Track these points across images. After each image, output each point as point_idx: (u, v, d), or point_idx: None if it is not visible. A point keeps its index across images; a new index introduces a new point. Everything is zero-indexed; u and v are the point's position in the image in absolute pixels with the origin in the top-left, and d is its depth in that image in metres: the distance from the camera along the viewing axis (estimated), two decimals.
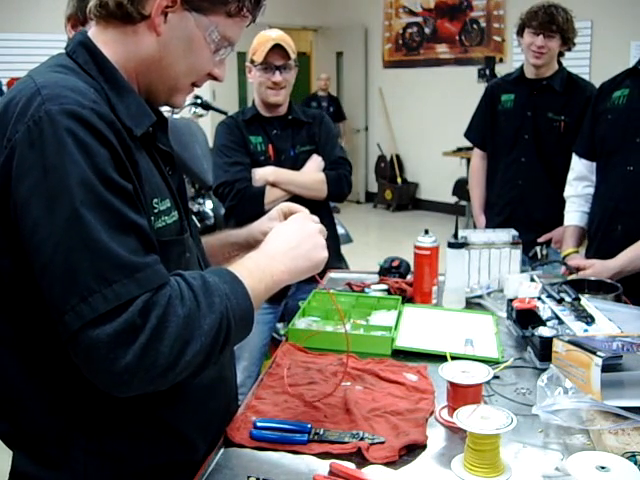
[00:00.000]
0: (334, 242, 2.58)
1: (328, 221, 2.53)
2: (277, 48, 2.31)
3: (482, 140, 3.02)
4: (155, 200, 1.01)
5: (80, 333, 0.83)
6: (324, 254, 1.14)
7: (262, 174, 2.35)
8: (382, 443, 1.16)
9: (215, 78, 1.08)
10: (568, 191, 2.47)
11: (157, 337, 0.85)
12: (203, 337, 0.89)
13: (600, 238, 2.28)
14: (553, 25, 2.64)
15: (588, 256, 2.31)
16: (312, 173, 2.42)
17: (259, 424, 1.21)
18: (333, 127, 2.61)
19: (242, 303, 0.97)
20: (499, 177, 2.92)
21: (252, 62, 2.37)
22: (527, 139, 2.80)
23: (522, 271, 2.05)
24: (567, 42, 2.72)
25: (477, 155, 3.07)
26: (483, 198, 3.03)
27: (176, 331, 0.86)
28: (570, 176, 2.46)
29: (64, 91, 0.90)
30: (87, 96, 0.91)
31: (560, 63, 2.81)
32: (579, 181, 2.42)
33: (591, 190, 2.37)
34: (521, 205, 2.82)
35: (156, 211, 1.00)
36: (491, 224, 2.85)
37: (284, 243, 1.11)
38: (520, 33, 2.77)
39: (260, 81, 2.37)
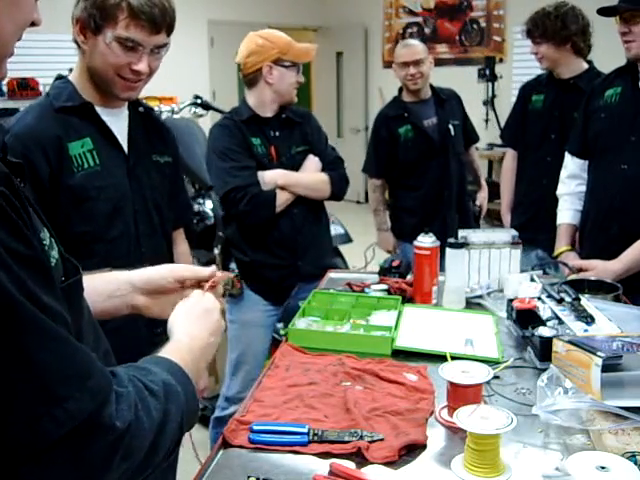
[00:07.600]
0: (328, 242, 2.63)
1: (324, 221, 2.56)
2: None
3: (515, 141, 3.08)
4: (41, 234, 0.75)
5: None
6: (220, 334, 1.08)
7: (272, 177, 2.32)
8: (381, 440, 1.17)
9: (34, 24, 0.87)
10: (561, 189, 2.47)
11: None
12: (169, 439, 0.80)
13: (594, 236, 2.28)
14: (536, 32, 2.75)
15: (581, 254, 2.31)
16: (315, 174, 2.42)
17: (256, 427, 1.21)
18: (320, 124, 2.59)
19: (192, 405, 0.87)
20: (526, 176, 2.97)
21: (277, 61, 2.35)
22: (553, 139, 2.82)
23: (522, 271, 2.05)
24: (564, 43, 2.73)
25: (510, 155, 3.13)
26: (511, 197, 3.08)
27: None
28: (563, 174, 2.47)
29: None
30: None
31: (590, 62, 2.82)
32: (572, 179, 2.42)
33: (583, 188, 2.38)
34: (545, 204, 2.81)
35: (46, 247, 0.75)
36: (516, 222, 2.90)
37: (195, 334, 1.01)
38: None
39: (290, 82, 2.37)
